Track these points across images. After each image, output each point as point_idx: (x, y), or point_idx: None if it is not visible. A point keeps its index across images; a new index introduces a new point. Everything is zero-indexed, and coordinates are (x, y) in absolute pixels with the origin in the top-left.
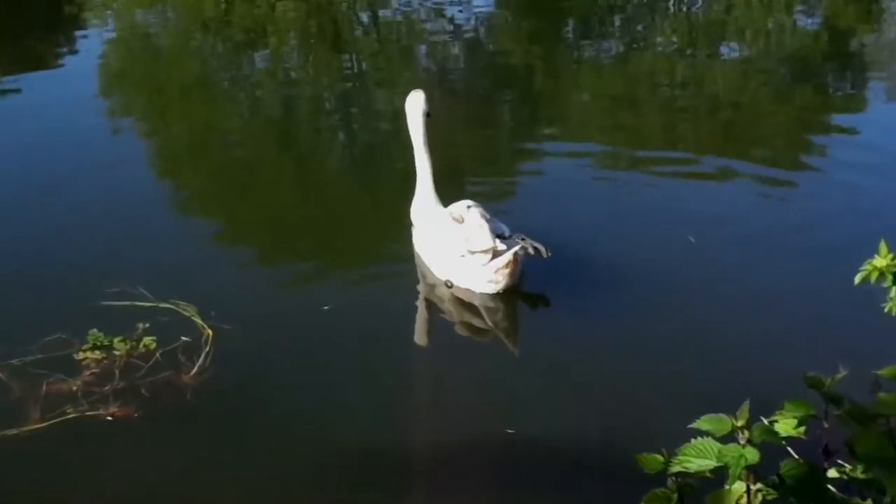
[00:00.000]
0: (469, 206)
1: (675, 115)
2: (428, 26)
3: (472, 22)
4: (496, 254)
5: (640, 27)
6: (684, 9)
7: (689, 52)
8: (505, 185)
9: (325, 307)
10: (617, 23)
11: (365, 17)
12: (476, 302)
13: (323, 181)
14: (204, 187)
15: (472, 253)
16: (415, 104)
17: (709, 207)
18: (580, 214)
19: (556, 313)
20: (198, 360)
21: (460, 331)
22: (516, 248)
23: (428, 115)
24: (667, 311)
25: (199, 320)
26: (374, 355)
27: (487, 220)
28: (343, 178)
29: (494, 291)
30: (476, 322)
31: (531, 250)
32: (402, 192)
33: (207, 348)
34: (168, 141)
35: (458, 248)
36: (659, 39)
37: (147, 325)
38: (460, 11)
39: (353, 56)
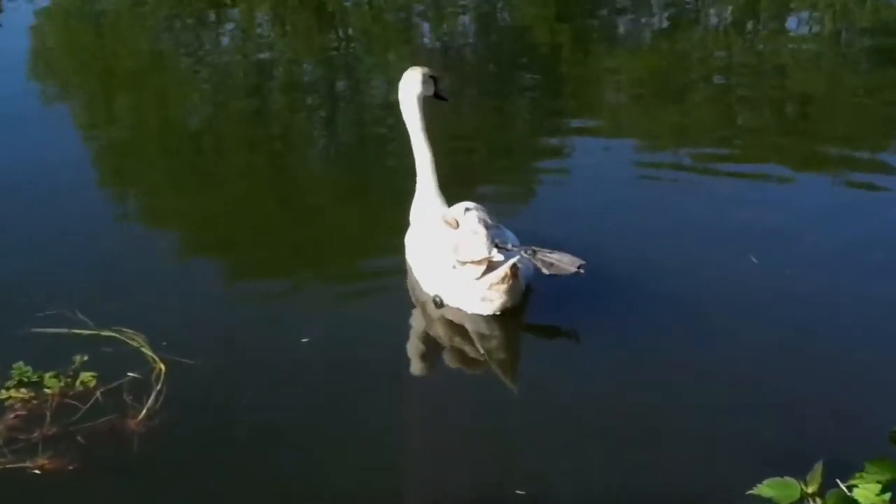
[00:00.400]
0: (468, 209)
1: (730, 105)
2: None
3: None
4: (491, 266)
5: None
6: None
7: (748, 26)
8: (521, 188)
9: (304, 340)
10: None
11: None
12: (468, 325)
13: (301, 183)
14: (158, 191)
15: (463, 264)
16: (410, 84)
17: (772, 218)
18: (612, 224)
19: (569, 345)
20: (147, 401)
21: (451, 361)
22: (514, 258)
23: (437, 96)
24: (710, 344)
25: (148, 352)
26: (356, 396)
27: (487, 227)
28: (326, 178)
29: (490, 313)
30: (469, 351)
31: (543, 267)
32: (397, 195)
33: (159, 386)
34: (114, 134)
35: (448, 258)
36: (711, 11)
37: (86, 357)
38: None
39: (341, 31)
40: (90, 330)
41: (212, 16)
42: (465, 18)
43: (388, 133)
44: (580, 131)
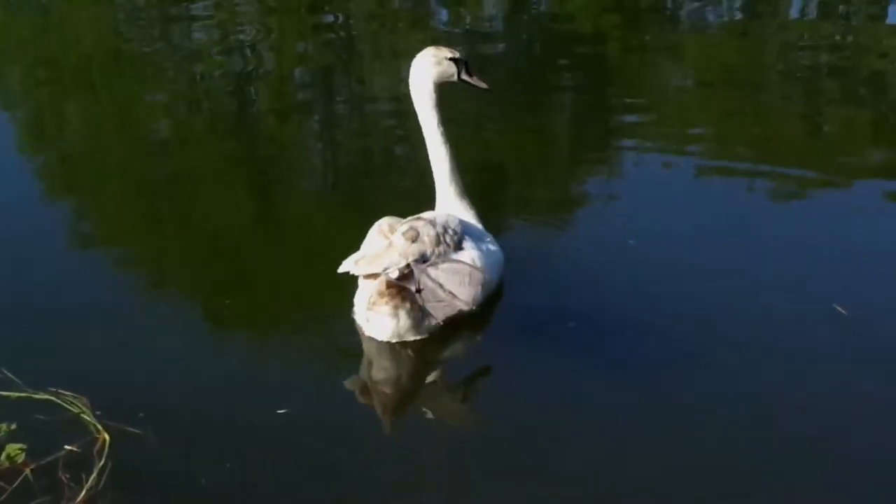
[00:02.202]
0: (419, 218)
1: (818, 113)
2: None
3: None
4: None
5: None
6: None
7: (839, 16)
8: (559, 210)
9: (280, 411)
10: None
11: None
12: (375, 359)
13: (283, 213)
14: (110, 222)
15: (363, 278)
16: (423, 68)
17: (865, 254)
18: (660, 255)
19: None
20: (87, 480)
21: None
22: (391, 269)
23: (465, 82)
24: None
25: (90, 419)
26: (334, 476)
27: (415, 238)
28: (315, 206)
29: (385, 339)
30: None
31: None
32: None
33: (102, 461)
34: (62, 144)
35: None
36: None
37: (13, 425)
38: None
39: (339, 16)
40: (20, 392)
41: (185, 2)
42: (491, 3)
43: (396, 144)
44: (631, 142)
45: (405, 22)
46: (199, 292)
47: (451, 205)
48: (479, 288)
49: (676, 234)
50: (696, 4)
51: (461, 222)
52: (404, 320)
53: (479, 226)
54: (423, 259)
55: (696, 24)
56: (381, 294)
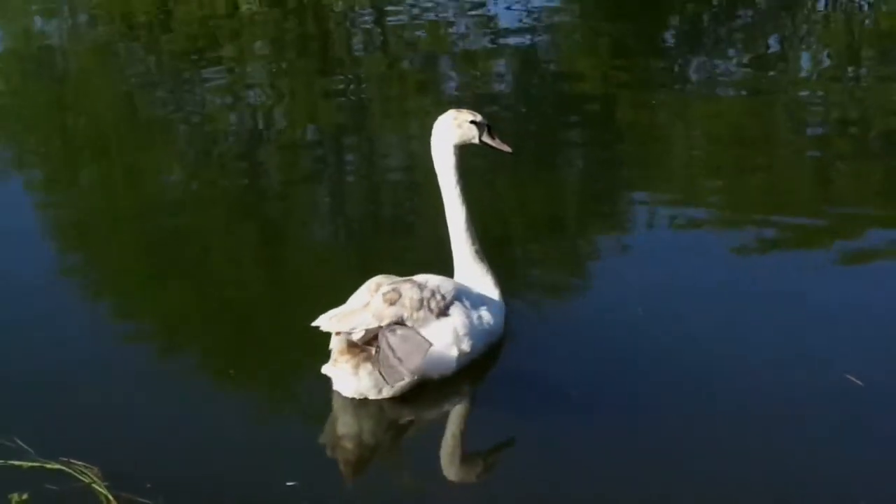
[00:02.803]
0: (409, 281)
1: (827, 167)
2: (460, 33)
3: (527, 27)
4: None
5: (773, 37)
6: (840, 9)
7: (849, 73)
8: (563, 267)
9: (290, 483)
10: (738, 30)
11: (366, 20)
12: (340, 415)
13: (295, 264)
14: (125, 284)
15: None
16: (445, 129)
17: (884, 318)
18: (668, 321)
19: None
20: None
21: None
22: (357, 329)
23: (486, 145)
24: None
25: (101, 490)
26: None
27: (395, 301)
28: (326, 258)
29: (350, 395)
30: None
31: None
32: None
33: None
34: (72, 202)
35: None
36: (803, 54)
37: (25, 495)
38: (509, 9)
39: (349, 76)
40: (32, 461)
41: (195, 63)
42: (501, 63)
43: (409, 205)
44: (643, 200)
45: (415, 84)
46: (209, 356)
47: (467, 268)
48: (423, 359)
49: (686, 297)
50: (705, 62)
51: (457, 288)
52: (365, 379)
53: (494, 290)
54: (397, 322)
55: (705, 83)
56: (340, 352)
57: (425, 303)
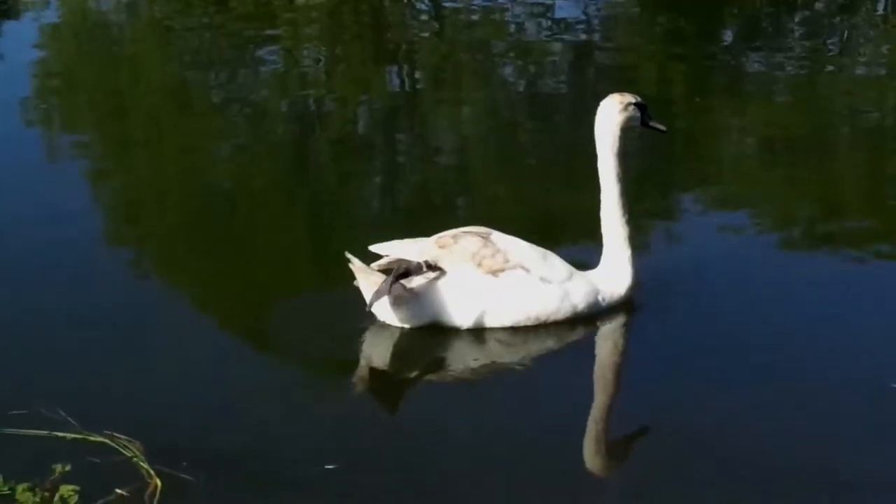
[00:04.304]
0: (486, 237)
1: (883, 171)
2: (516, 23)
3: (584, 19)
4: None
5: (833, 37)
6: None
7: None
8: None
9: (329, 466)
10: (799, 28)
11: (423, 7)
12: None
13: (347, 245)
14: (176, 261)
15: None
16: (609, 114)
17: None
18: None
19: None
20: None
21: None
22: (391, 256)
23: (646, 125)
24: None
25: (143, 464)
26: None
27: (446, 245)
28: (380, 237)
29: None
30: None
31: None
32: None
33: None
34: (125, 180)
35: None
36: (862, 54)
37: (67, 467)
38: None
39: (404, 65)
40: (75, 433)
41: (250, 46)
42: (555, 60)
43: (462, 193)
44: (693, 203)
45: (469, 77)
46: (255, 334)
47: (615, 252)
48: (376, 299)
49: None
50: (760, 60)
51: (537, 258)
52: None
53: (623, 277)
54: (432, 265)
55: (760, 79)
56: (359, 269)
57: (478, 258)
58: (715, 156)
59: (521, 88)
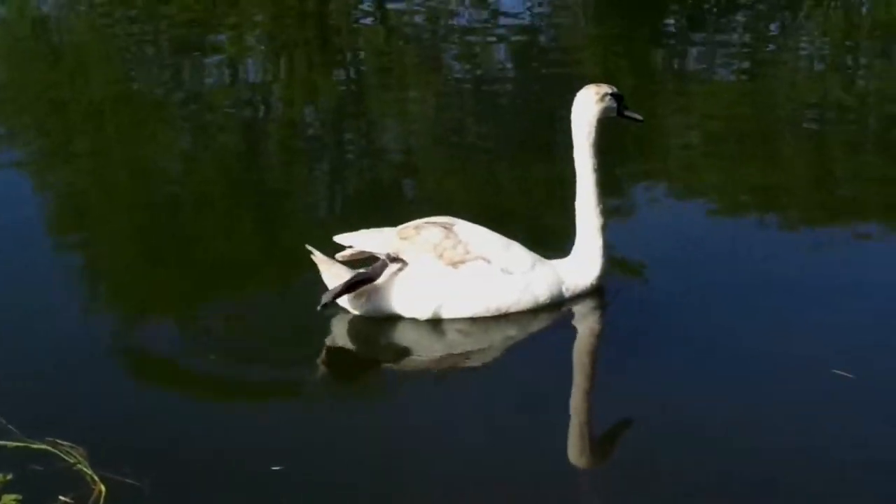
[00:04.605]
0: (448, 226)
1: (826, 158)
2: (460, 21)
3: (527, 14)
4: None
5: (775, 24)
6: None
7: (848, 62)
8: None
9: (275, 467)
10: (741, 18)
11: (367, 6)
12: None
13: (289, 242)
14: (118, 264)
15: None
16: (585, 104)
17: (879, 306)
18: (676, 314)
19: None
20: None
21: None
22: (356, 247)
23: (623, 116)
24: None
25: (87, 469)
26: None
27: (409, 237)
28: (318, 235)
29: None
30: None
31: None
32: None
33: None
34: (67, 184)
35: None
36: (804, 44)
37: (9, 475)
38: (511, 2)
39: (350, 64)
40: (17, 441)
41: (194, 47)
42: (501, 49)
43: (410, 185)
44: (642, 189)
45: (412, 65)
46: (197, 337)
47: (588, 241)
48: (328, 300)
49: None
50: (704, 51)
51: (501, 250)
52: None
53: (592, 270)
54: (395, 258)
55: (704, 71)
56: (321, 260)
57: (439, 249)
58: (663, 146)
59: (467, 84)
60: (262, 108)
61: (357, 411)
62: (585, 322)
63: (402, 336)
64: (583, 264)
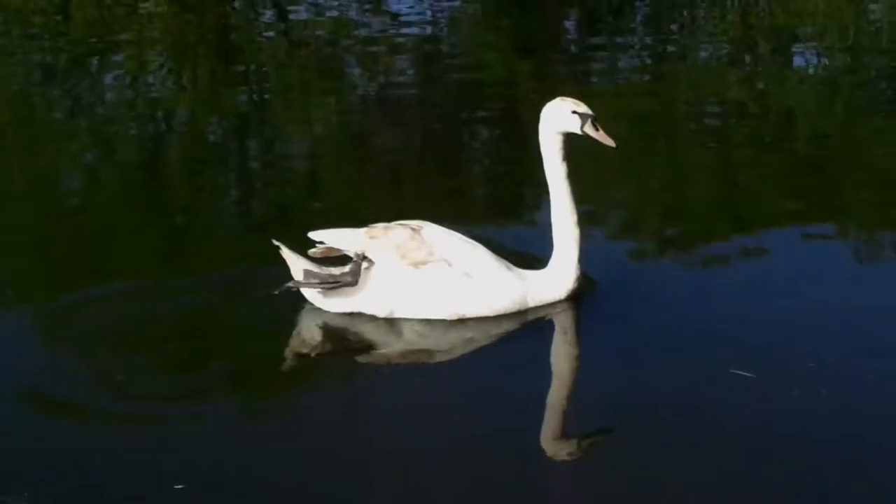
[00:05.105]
0: (415, 229)
1: (729, 155)
2: (362, 29)
3: (429, 21)
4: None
5: (674, 25)
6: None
7: (747, 60)
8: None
9: (178, 486)
10: (640, 19)
11: (268, 16)
12: None
13: (197, 255)
14: (15, 276)
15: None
16: (550, 117)
17: (782, 307)
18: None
19: None
20: None
21: None
22: (326, 243)
23: (584, 132)
24: None
25: None
26: None
27: (375, 237)
28: (229, 247)
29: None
30: None
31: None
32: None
33: None
34: None
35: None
36: (703, 43)
37: None
38: (410, 6)
39: (252, 75)
40: None
41: (95, 63)
42: (403, 58)
43: (316, 194)
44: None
45: (315, 74)
46: (97, 358)
47: (563, 252)
48: (301, 285)
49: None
50: (605, 54)
51: (466, 253)
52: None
53: (566, 279)
54: (364, 256)
55: (606, 72)
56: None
57: (401, 249)
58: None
59: (371, 93)
60: (164, 122)
61: (302, 406)
62: (549, 328)
63: (359, 332)
64: (556, 275)
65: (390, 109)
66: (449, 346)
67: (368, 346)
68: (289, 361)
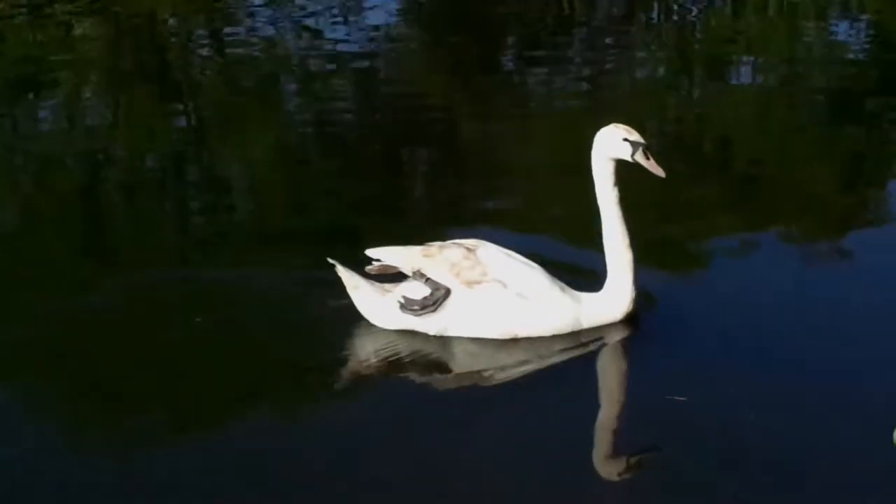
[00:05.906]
0: (469, 249)
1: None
2: (300, 53)
3: (366, 47)
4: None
5: (611, 48)
6: (672, 20)
7: (682, 82)
8: None
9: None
10: (578, 42)
11: (204, 41)
12: None
13: (131, 287)
14: None
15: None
16: (604, 143)
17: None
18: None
19: None
20: None
21: None
22: (383, 261)
23: (634, 160)
24: None
25: None
26: None
27: (430, 255)
28: (174, 293)
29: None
30: None
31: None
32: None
33: None
34: None
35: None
36: (638, 65)
37: None
38: (348, 33)
39: (188, 101)
40: None
41: (26, 91)
42: (342, 83)
43: (257, 227)
44: (486, 219)
45: (253, 100)
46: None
47: (618, 276)
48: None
49: None
50: (543, 76)
51: (528, 271)
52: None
53: (619, 303)
54: (421, 273)
55: (544, 96)
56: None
57: (456, 268)
58: (502, 171)
59: (309, 118)
60: (99, 145)
61: (352, 421)
62: (602, 349)
63: (412, 349)
64: (611, 297)
65: (325, 133)
66: (500, 365)
67: (420, 364)
68: (340, 376)
